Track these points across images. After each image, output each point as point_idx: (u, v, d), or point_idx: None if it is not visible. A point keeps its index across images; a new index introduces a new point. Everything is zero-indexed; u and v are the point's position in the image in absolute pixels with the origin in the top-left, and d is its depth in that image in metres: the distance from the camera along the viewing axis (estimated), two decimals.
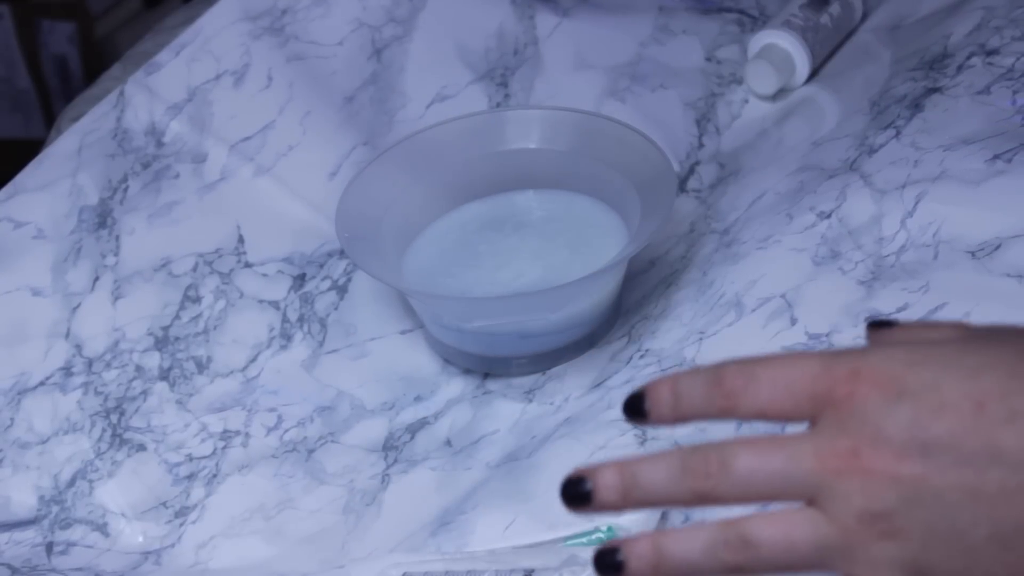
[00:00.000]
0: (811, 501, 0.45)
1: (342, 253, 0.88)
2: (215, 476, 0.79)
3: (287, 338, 0.85)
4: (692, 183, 0.94)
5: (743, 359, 0.47)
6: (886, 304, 0.76)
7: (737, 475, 0.46)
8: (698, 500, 0.46)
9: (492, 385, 0.83)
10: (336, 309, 0.87)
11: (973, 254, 0.77)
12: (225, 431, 0.81)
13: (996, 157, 0.81)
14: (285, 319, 0.86)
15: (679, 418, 0.48)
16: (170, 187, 0.89)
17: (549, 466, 0.74)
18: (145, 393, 0.82)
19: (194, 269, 0.87)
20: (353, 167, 0.92)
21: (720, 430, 0.67)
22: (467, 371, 0.84)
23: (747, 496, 0.46)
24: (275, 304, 0.87)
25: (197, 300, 0.86)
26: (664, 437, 0.73)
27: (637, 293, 0.86)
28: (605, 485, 0.47)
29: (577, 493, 0.47)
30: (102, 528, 0.78)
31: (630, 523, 0.67)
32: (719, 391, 0.47)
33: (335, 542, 0.75)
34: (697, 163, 0.95)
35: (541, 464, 0.75)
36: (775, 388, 0.46)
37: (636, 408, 0.48)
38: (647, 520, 0.67)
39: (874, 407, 0.45)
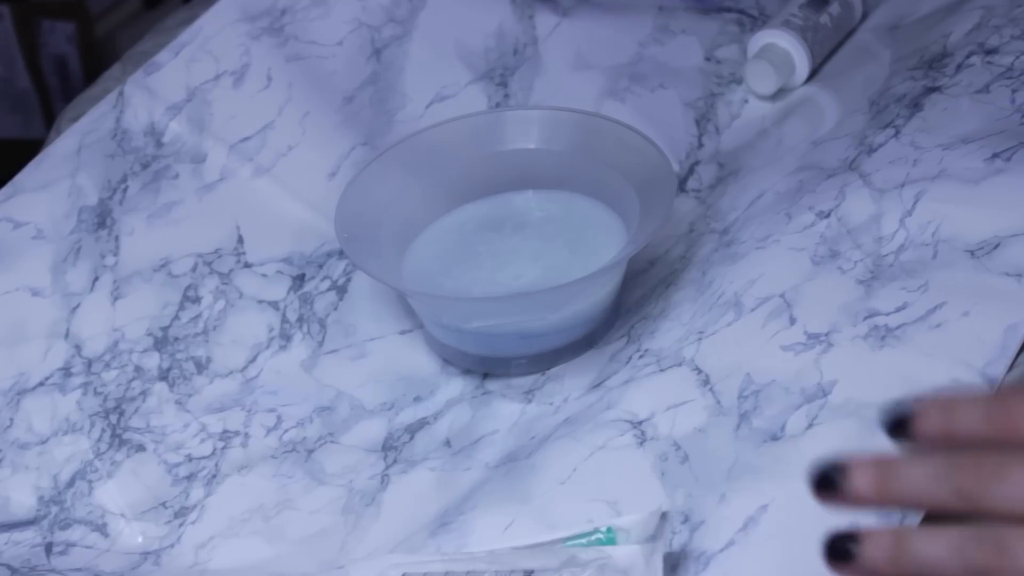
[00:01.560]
0: None
1: (341, 253, 0.88)
2: (214, 476, 0.79)
3: (286, 338, 0.85)
4: (691, 183, 0.94)
5: None
6: (885, 303, 0.76)
7: None
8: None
9: (491, 385, 0.83)
10: (335, 309, 0.87)
11: (972, 253, 0.77)
12: (224, 431, 0.81)
13: (995, 156, 0.81)
14: (284, 319, 0.86)
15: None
16: (169, 187, 0.89)
17: (548, 466, 0.74)
18: (144, 393, 0.82)
19: (193, 269, 0.87)
20: (352, 167, 0.92)
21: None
22: (466, 371, 0.84)
23: None
24: (274, 304, 0.87)
25: (196, 300, 0.86)
26: (663, 437, 0.73)
27: (636, 293, 0.86)
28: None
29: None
30: (101, 528, 0.78)
31: (630, 524, 0.67)
32: None
33: (334, 542, 0.75)
34: (696, 163, 0.95)
35: (540, 464, 0.75)
36: None
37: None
38: (647, 520, 0.67)
39: None
